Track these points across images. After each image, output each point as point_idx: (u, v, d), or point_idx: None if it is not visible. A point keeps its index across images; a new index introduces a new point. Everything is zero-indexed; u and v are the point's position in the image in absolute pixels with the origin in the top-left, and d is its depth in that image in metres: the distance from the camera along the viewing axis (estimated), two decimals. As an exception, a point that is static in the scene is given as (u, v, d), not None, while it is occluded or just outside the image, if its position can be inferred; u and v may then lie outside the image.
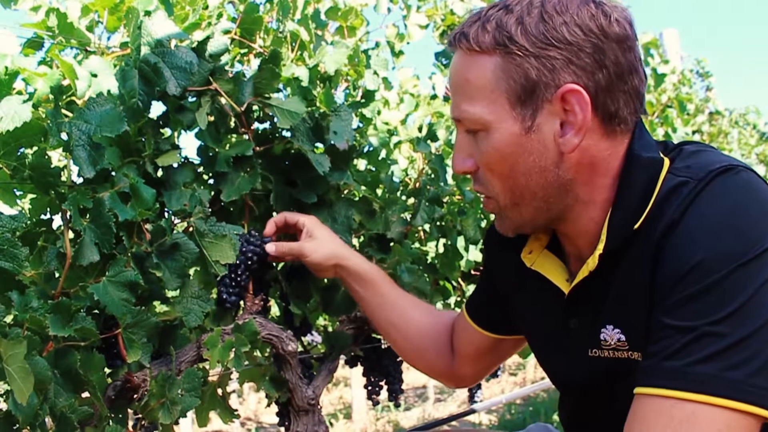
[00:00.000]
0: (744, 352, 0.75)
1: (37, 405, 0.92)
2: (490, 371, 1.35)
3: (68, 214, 1.01)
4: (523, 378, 6.45)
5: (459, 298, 2.00)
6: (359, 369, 1.72)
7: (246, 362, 1.33)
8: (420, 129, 1.90)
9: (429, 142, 1.79)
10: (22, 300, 0.93)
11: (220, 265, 1.18)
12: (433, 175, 1.80)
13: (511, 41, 0.87)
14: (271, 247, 1.28)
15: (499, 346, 1.25)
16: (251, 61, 1.47)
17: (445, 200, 1.84)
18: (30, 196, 1.12)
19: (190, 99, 1.28)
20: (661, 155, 0.92)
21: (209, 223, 1.19)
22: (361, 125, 1.69)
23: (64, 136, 0.99)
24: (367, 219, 1.59)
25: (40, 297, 0.98)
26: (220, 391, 1.38)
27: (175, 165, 1.25)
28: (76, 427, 0.96)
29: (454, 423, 2.13)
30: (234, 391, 4.98)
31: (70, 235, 1.05)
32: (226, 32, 1.33)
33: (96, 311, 1.09)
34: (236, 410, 1.38)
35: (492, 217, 1.30)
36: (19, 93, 1.06)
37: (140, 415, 1.12)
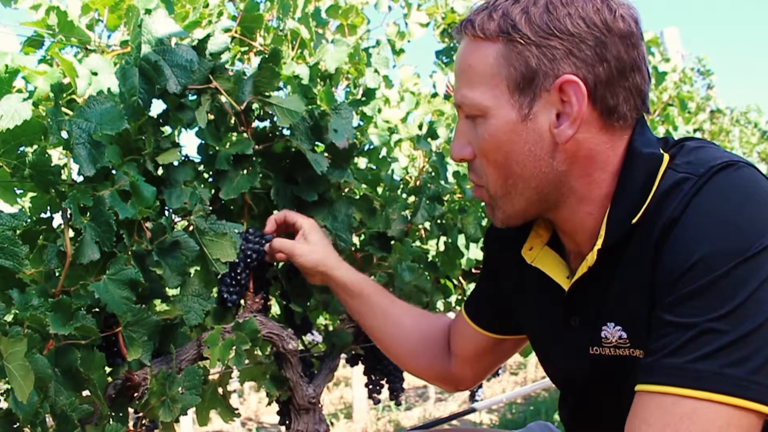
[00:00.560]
0: (745, 348, 0.75)
1: (37, 403, 0.92)
2: (489, 373, 1.34)
3: (68, 212, 1.01)
4: (524, 377, 6.45)
5: (460, 296, 2.00)
6: (360, 368, 1.71)
7: (246, 361, 1.33)
8: (420, 127, 1.90)
9: (429, 140, 1.79)
10: (22, 298, 0.93)
11: (221, 263, 1.18)
12: (433, 173, 1.80)
13: (514, 29, 0.89)
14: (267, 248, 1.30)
15: (499, 346, 1.24)
16: (252, 60, 1.47)
17: (445, 198, 1.84)
18: (30, 194, 1.12)
19: (191, 97, 1.28)
20: (661, 151, 0.91)
21: (209, 221, 1.19)
22: (361, 123, 1.69)
23: (64, 134, 0.99)
24: (367, 217, 1.59)
25: (41, 295, 0.98)
26: (220, 389, 1.38)
27: (176, 163, 1.25)
28: (77, 426, 0.96)
29: (455, 422, 2.13)
30: (235, 391, 4.98)
31: (71, 233, 1.05)
32: (227, 30, 1.33)
33: (96, 309, 1.09)
34: (236, 409, 1.38)
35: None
36: (20, 91, 1.06)
37: (141, 414, 1.12)
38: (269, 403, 1.46)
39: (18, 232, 1.05)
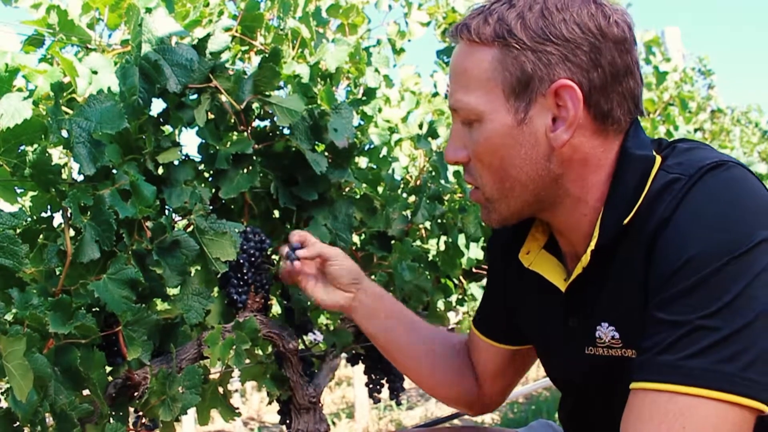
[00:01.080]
0: (737, 345, 0.76)
1: (37, 402, 0.92)
2: (515, 385, 1.28)
3: (69, 211, 1.01)
4: (525, 377, 6.45)
5: (460, 296, 2.00)
6: (362, 368, 1.71)
7: (247, 360, 1.33)
8: (421, 126, 1.90)
9: (430, 139, 1.79)
10: (22, 297, 0.93)
11: (221, 263, 1.18)
12: (434, 173, 1.80)
13: (510, 34, 0.89)
14: (302, 252, 1.19)
15: (517, 356, 1.21)
16: (252, 59, 1.47)
17: (446, 198, 1.84)
18: (30, 193, 1.12)
19: (191, 96, 1.28)
20: (654, 153, 0.93)
21: (210, 220, 1.19)
22: (362, 123, 1.69)
23: (64, 133, 0.99)
24: (368, 217, 1.59)
25: (41, 294, 0.98)
26: (221, 389, 1.38)
27: (176, 162, 1.25)
28: (77, 425, 0.96)
29: (456, 421, 2.13)
30: (237, 390, 4.98)
31: (71, 232, 1.05)
32: (227, 29, 1.33)
33: (96, 309, 1.09)
34: (237, 408, 1.38)
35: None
36: (20, 90, 1.06)
37: (141, 413, 1.12)
38: (270, 403, 1.46)
39: (18, 231, 1.05)
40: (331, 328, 1.64)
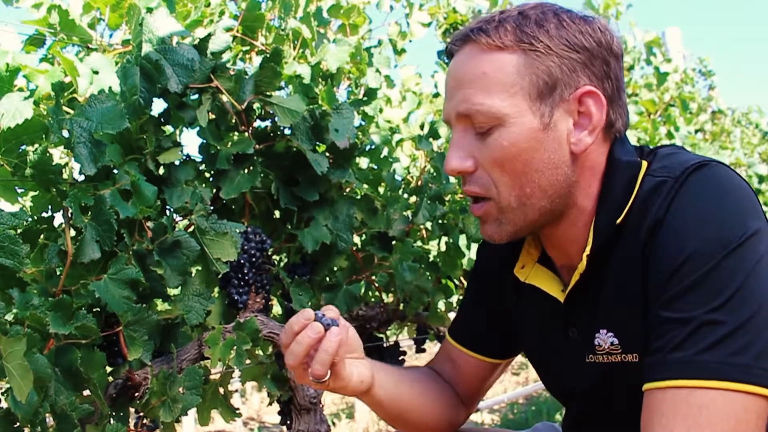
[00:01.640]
0: (745, 336, 0.78)
1: (37, 403, 0.91)
2: (484, 394, 1.27)
3: (69, 211, 1.01)
4: (525, 377, 6.45)
5: (461, 296, 2.00)
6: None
7: (248, 360, 1.33)
8: (422, 127, 1.90)
9: (431, 140, 1.79)
10: (22, 297, 0.93)
11: (222, 263, 1.18)
12: (434, 173, 1.80)
13: (535, 39, 0.91)
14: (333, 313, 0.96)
15: (496, 369, 1.21)
16: (253, 59, 1.47)
17: (447, 198, 1.84)
18: (31, 193, 1.12)
19: (192, 96, 1.28)
20: (638, 159, 0.95)
21: (210, 220, 1.19)
22: (363, 123, 1.69)
23: (65, 133, 0.99)
24: (368, 217, 1.59)
25: (41, 294, 0.98)
26: (221, 389, 1.37)
27: (177, 162, 1.25)
28: (77, 425, 0.96)
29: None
30: (237, 391, 4.98)
31: (72, 232, 1.05)
32: (228, 30, 1.33)
33: (97, 309, 1.09)
34: (238, 409, 1.38)
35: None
36: (21, 90, 1.05)
37: (141, 413, 1.12)
38: (270, 403, 1.46)
39: (19, 231, 1.05)
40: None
